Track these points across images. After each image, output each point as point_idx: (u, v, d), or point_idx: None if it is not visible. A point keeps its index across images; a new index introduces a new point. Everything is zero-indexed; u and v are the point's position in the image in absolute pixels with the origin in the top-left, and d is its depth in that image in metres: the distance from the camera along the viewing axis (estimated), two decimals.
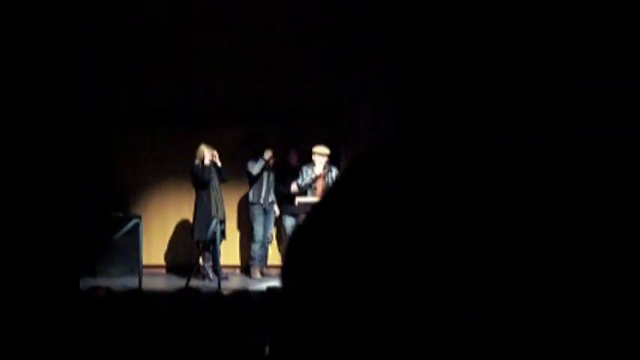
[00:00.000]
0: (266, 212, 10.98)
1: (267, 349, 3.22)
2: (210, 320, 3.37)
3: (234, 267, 11.30)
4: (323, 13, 11.26)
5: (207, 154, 10.46)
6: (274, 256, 11.35)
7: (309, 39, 11.30)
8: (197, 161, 10.47)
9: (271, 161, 10.84)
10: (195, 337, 3.27)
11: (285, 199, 10.84)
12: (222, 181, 10.63)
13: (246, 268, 11.21)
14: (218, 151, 10.63)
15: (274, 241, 11.40)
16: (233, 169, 10.90)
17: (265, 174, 10.92)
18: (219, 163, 10.49)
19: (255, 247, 10.93)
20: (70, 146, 4.33)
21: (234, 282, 10.53)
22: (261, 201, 10.89)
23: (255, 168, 10.73)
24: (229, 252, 11.08)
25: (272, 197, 10.98)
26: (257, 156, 10.82)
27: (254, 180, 10.85)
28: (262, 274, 11.01)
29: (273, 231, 11.22)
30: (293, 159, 10.94)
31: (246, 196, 11.09)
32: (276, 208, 11.00)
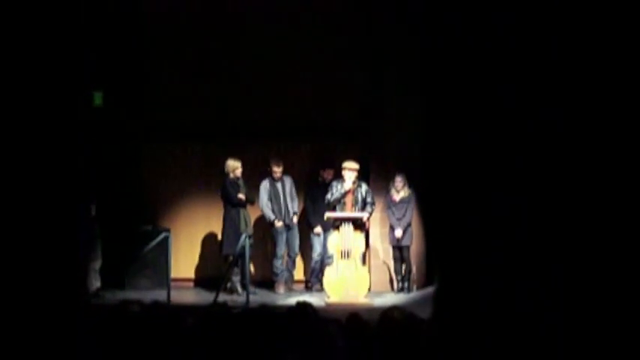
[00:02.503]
0: (289, 228, 10.98)
1: None
2: (240, 336, 3.38)
3: (255, 282, 11.22)
4: (353, 32, 11.26)
5: (234, 168, 10.54)
6: (299, 271, 11.32)
7: (339, 55, 11.29)
8: (226, 176, 10.55)
9: (275, 175, 10.85)
10: (226, 353, 3.27)
11: (315, 215, 10.82)
12: (249, 203, 10.66)
13: (269, 284, 11.19)
14: (246, 166, 10.69)
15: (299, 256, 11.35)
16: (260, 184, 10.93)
17: (280, 188, 10.90)
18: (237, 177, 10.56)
19: (277, 263, 10.92)
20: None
21: (259, 297, 10.50)
22: (282, 217, 10.88)
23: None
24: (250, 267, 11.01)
25: (292, 211, 10.96)
26: (266, 175, 10.90)
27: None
28: (290, 289, 11.00)
29: (297, 245, 11.14)
30: (328, 176, 10.90)
31: (261, 212, 11.02)
32: (295, 219, 10.99)
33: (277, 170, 10.87)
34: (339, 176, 10.42)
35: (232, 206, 10.52)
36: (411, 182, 10.68)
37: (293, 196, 10.99)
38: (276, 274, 10.92)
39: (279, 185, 10.89)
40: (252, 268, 11.14)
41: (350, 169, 10.23)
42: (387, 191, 10.80)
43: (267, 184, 10.86)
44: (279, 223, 10.84)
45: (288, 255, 11.00)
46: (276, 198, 10.85)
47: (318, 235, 10.85)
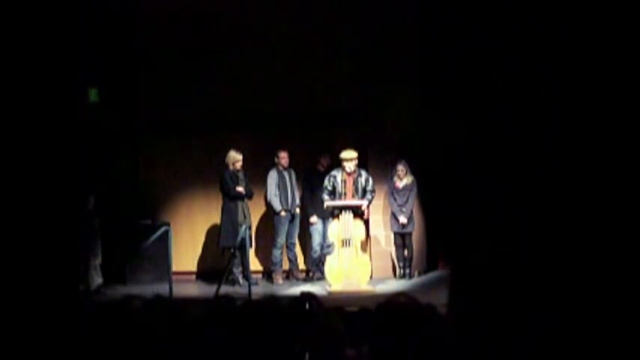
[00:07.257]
0: (293, 218, 10.96)
1: (306, 356, 3.21)
2: (247, 328, 3.37)
3: (255, 272, 11.19)
4: (349, 20, 11.21)
5: (234, 161, 10.55)
6: (299, 261, 11.30)
7: (336, 42, 11.25)
8: (226, 168, 10.55)
9: (284, 162, 10.83)
10: (234, 345, 3.27)
11: (313, 204, 10.81)
12: (247, 197, 10.64)
13: (268, 274, 11.20)
14: (245, 158, 10.68)
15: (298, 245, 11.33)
16: (259, 176, 10.92)
17: (287, 178, 10.89)
18: (237, 169, 10.55)
19: (277, 253, 10.91)
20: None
21: (261, 288, 10.50)
22: (289, 207, 10.87)
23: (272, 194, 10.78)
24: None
25: (297, 201, 10.96)
26: (273, 165, 10.86)
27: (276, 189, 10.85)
28: (297, 278, 10.98)
29: (296, 234, 11.13)
30: (323, 164, 10.90)
31: (268, 202, 11.02)
32: (298, 210, 10.98)
33: (284, 156, 10.81)
34: (337, 162, 10.40)
35: (230, 199, 10.51)
36: (411, 169, 10.67)
37: (296, 186, 10.99)
38: (275, 264, 10.91)
39: (286, 174, 10.87)
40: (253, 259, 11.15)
41: (347, 160, 10.20)
42: (390, 178, 10.79)
43: (275, 175, 10.84)
44: (284, 213, 10.82)
45: (287, 245, 10.97)
46: (284, 188, 10.83)
47: (315, 224, 10.84)
